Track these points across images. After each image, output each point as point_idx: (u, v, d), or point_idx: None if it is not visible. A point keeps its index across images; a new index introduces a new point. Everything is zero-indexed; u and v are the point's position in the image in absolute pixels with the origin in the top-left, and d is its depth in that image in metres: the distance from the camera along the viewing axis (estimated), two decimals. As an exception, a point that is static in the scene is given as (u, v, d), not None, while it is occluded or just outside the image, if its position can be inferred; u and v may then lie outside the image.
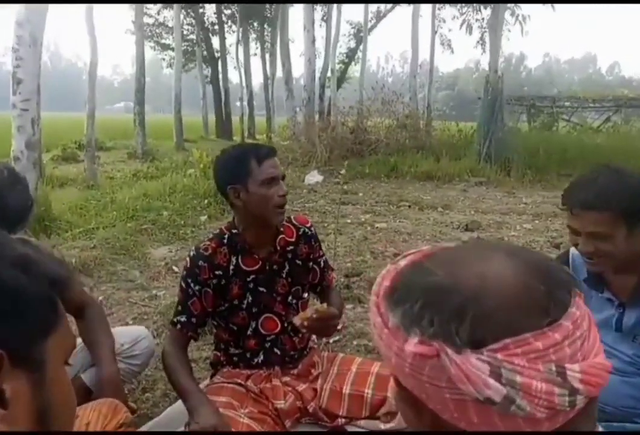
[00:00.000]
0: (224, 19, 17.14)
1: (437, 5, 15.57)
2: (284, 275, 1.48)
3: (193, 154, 7.43)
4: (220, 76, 17.63)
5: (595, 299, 1.31)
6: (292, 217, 1.54)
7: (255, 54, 19.97)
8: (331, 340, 2.02)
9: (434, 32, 16.24)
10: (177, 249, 3.41)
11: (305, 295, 1.58)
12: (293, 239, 1.50)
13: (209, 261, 1.39)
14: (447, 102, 60.96)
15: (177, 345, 1.42)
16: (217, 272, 1.40)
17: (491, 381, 0.35)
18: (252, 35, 18.92)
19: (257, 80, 25.18)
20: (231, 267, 1.42)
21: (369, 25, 17.62)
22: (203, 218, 4.27)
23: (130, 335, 1.50)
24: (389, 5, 18.67)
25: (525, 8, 9.74)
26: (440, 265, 0.40)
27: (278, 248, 1.46)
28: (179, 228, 3.90)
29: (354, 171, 7.63)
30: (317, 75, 14.51)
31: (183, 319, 1.40)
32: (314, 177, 6.93)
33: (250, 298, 1.44)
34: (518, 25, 8.53)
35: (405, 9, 18.16)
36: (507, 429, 0.37)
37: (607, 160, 7.36)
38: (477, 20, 7.89)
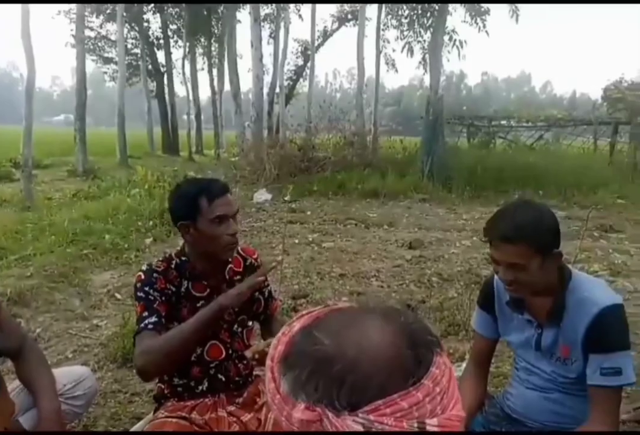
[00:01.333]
0: (170, 33, 16.99)
1: (382, 26, 16.15)
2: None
3: (137, 172, 7.29)
4: (167, 90, 17.39)
5: (517, 320, 1.42)
6: (240, 248, 1.58)
7: (203, 69, 19.89)
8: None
9: (379, 52, 16.82)
10: (120, 275, 3.33)
11: (250, 323, 1.61)
12: (240, 269, 1.54)
13: (162, 275, 1.40)
14: (394, 117, 62.75)
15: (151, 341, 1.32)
16: (170, 287, 1.41)
17: None
18: (199, 50, 18.84)
19: (205, 94, 24.97)
20: (182, 289, 1.43)
21: (316, 43, 18.00)
22: (148, 241, 4.19)
23: (72, 375, 1.47)
24: (335, 25, 19.19)
25: (462, 33, 10.25)
26: (326, 333, 0.45)
27: (227, 277, 1.49)
28: (122, 252, 3.81)
29: (302, 188, 7.72)
30: (266, 91, 14.64)
31: (152, 319, 1.34)
32: (262, 195, 6.95)
33: (198, 323, 1.46)
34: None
35: (351, 29, 18.76)
36: None
37: (538, 177, 7.87)
38: (418, 41, 8.25)
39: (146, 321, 1.34)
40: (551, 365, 1.38)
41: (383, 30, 16.55)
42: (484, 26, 7.64)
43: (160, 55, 17.35)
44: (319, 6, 17.22)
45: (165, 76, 17.25)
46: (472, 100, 72.19)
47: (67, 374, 1.48)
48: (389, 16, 15.04)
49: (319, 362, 0.43)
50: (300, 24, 17.74)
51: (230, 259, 1.51)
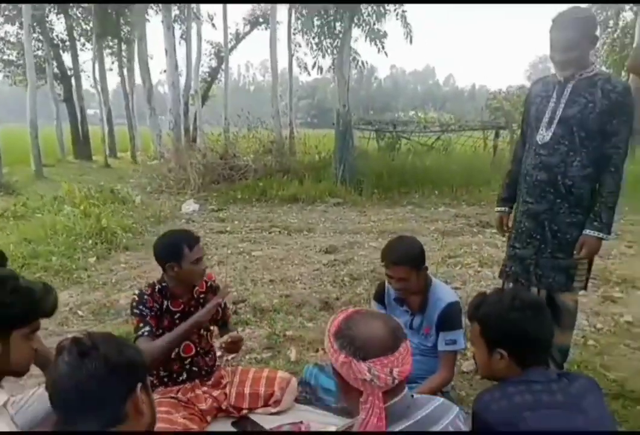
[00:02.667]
0: (76, 35, 16.45)
1: (292, 30, 16.80)
2: (198, 314, 2.20)
3: (62, 188, 7.43)
4: (75, 94, 16.84)
5: (399, 310, 2.24)
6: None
7: (111, 69, 19.39)
8: (230, 358, 2.72)
9: (291, 55, 17.49)
10: (78, 294, 3.78)
11: (212, 327, 2.31)
12: (204, 290, 2.23)
13: (150, 297, 2.06)
14: (309, 110, 63.75)
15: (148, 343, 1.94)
16: (155, 305, 2.07)
17: (367, 374, 1.08)
18: (107, 51, 18.34)
19: (117, 96, 24.19)
20: (164, 306, 2.10)
21: (229, 45, 18.27)
22: (92, 260, 4.61)
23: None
24: (247, 28, 19.56)
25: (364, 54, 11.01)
26: (352, 323, 1.13)
27: (195, 296, 2.17)
28: (72, 272, 4.22)
29: (226, 196, 8.28)
30: (180, 92, 14.77)
31: (147, 329, 2.00)
32: (190, 205, 7.40)
33: (175, 329, 2.13)
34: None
35: (263, 32, 19.23)
36: (365, 389, 1.09)
37: (434, 178, 9.02)
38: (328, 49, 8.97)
39: (142, 330, 2.02)
40: (418, 339, 2.21)
41: (294, 34, 17.23)
42: (383, 47, 8.56)
43: (67, 58, 16.75)
44: (230, 9, 17.53)
45: (73, 79, 16.69)
46: (383, 93, 75.20)
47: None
48: (299, 21, 15.73)
49: (348, 337, 1.11)
50: (211, 27, 17.85)
51: (198, 284, 2.20)
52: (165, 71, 17.37)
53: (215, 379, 2.26)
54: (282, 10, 18.19)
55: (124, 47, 17.92)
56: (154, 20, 16.75)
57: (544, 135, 2.25)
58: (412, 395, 1.19)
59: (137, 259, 4.76)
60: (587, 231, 2.17)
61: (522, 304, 1.37)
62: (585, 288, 2.41)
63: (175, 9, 16.13)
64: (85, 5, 15.36)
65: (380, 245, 5.28)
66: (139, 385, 1.06)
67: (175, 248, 2.02)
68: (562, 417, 1.25)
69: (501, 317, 1.37)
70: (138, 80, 18.16)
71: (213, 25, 17.27)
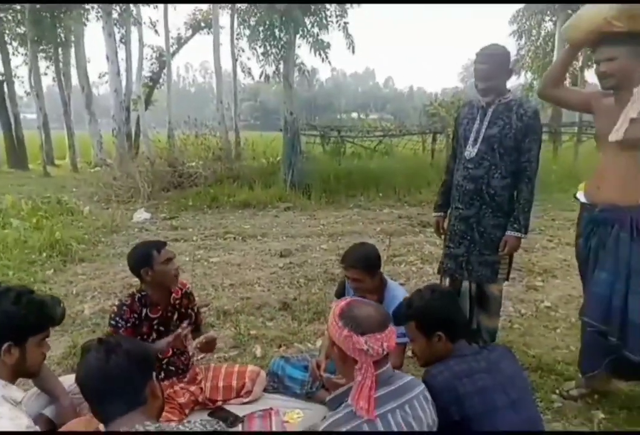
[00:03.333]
0: (7, 39, 15.74)
1: (235, 35, 16.90)
2: (174, 319, 2.43)
3: (6, 201, 7.25)
4: (8, 100, 16.10)
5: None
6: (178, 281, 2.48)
7: (46, 74, 18.64)
8: (201, 357, 2.94)
9: (235, 60, 17.58)
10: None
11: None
12: (179, 296, 2.45)
13: (129, 308, 2.27)
14: (252, 112, 63.48)
15: None
16: (134, 315, 2.28)
17: (364, 346, 1.41)
18: (42, 54, 17.63)
19: (52, 101, 23.21)
20: (142, 314, 2.31)
21: (171, 50, 18.09)
22: (50, 272, 4.64)
23: (72, 380, 2.23)
24: (190, 32, 19.43)
25: (307, 57, 11.39)
26: (353, 307, 1.50)
27: (171, 302, 2.39)
28: (31, 286, 4.25)
29: (177, 204, 8.35)
30: (122, 98, 14.51)
31: None
32: (141, 214, 7.43)
33: (154, 334, 2.35)
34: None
35: (206, 37, 19.19)
36: (362, 359, 1.43)
37: (378, 180, 9.50)
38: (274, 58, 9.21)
39: None
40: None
41: (237, 39, 17.34)
42: (327, 57, 8.93)
43: (-3, 63, 15.98)
44: (171, 14, 17.38)
45: (6, 85, 15.95)
46: (325, 94, 76.19)
47: (69, 379, 2.23)
48: (242, 26, 15.87)
49: (350, 317, 1.46)
50: (152, 31, 17.59)
51: (172, 290, 2.42)
52: (105, 75, 17.01)
53: (190, 376, 2.50)
54: (224, 15, 18.23)
55: (60, 51, 17.31)
56: (90, 23, 16.27)
57: (470, 151, 2.66)
58: (393, 370, 1.53)
59: (94, 270, 4.82)
60: (508, 232, 2.60)
61: (440, 295, 1.81)
62: (507, 279, 2.85)
63: (114, 12, 15.81)
64: (18, 8, 14.76)
65: (331, 248, 5.68)
66: (154, 374, 1.32)
67: (145, 254, 2.27)
68: (488, 378, 1.66)
69: (429, 307, 1.77)
70: (74, 82, 17.61)
71: (156, 31, 17.01)
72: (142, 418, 1.23)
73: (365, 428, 1.39)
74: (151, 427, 1.20)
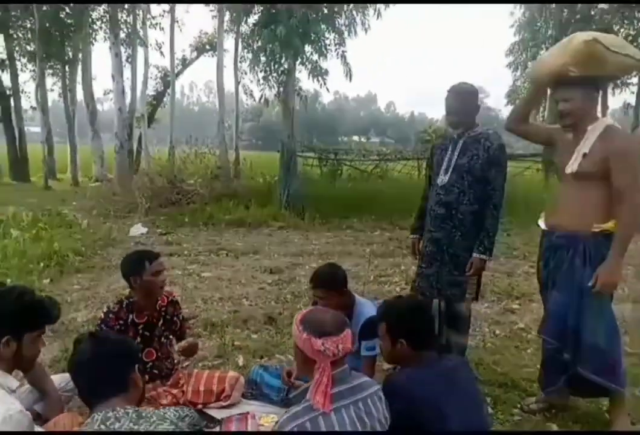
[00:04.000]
0: (17, 56, 16.23)
1: (239, 58, 17.42)
2: (159, 325, 2.62)
3: (8, 212, 7.46)
4: (14, 114, 16.49)
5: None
6: (164, 290, 2.67)
7: (52, 90, 19.13)
8: (185, 365, 3.11)
9: (237, 83, 18.07)
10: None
11: (171, 336, 2.73)
12: (165, 304, 2.65)
13: (115, 315, 2.46)
14: (254, 132, 64.33)
15: None
16: (120, 322, 2.47)
17: (321, 347, 1.60)
18: (49, 71, 18.14)
19: (55, 115, 23.66)
20: (129, 320, 2.50)
21: (175, 71, 18.61)
22: (46, 281, 4.82)
23: (63, 378, 2.40)
24: (195, 54, 20.02)
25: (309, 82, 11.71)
26: (312, 314, 1.71)
27: (157, 309, 2.59)
28: (27, 293, 4.42)
29: (174, 220, 8.56)
30: (125, 116, 14.88)
31: None
32: (138, 229, 7.64)
33: (139, 338, 2.53)
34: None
35: (210, 59, 19.77)
36: (319, 359, 1.62)
37: (372, 203, 9.75)
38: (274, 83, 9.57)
39: None
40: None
41: (241, 62, 17.86)
42: (325, 83, 9.30)
43: (5, 78, 16.43)
44: (177, 36, 17.97)
45: (12, 100, 16.36)
46: (327, 117, 77.46)
47: (60, 378, 2.40)
48: (245, 50, 16.39)
49: (309, 322, 1.66)
50: (157, 51, 18.15)
51: (159, 298, 2.61)
52: (110, 92, 17.45)
53: (173, 380, 2.67)
54: (229, 39, 18.84)
55: (67, 68, 17.81)
56: (97, 43, 16.85)
57: (442, 178, 2.89)
58: (350, 370, 1.73)
59: (88, 281, 5.00)
60: (474, 254, 2.80)
61: (412, 306, 2.00)
62: (476, 299, 3.04)
63: (121, 33, 16.34)
64: (29, 26, 15.28)
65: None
66: (136, 365, 1.51)
67: (137, 262, 2.47)
68: (442, 384, 1.83)
69: (398, 317, 1.96)
70: (79, 98, 17.99)
71: (161, 53, 17.56)
72: (123, 404, 1.42)
73: (321, 421, 1.57)
74: (130, 410, 1.38)
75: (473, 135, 2.84)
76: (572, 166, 2.44)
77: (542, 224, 2.69)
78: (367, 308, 2.69)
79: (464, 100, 2.80)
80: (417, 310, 1.98)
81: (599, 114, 2.51)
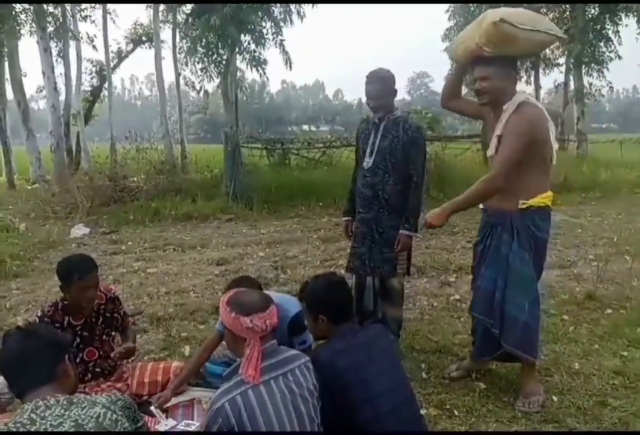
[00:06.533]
0: None
1: (178, 49, 16.97)
2: (99, 324, 2.63)
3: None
4: None
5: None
6: (101, 287, 2.67)
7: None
8: (131, 360, 3.13)
9: (178, 74, 17.64)
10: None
11: (113, 333, 2.74)
12: (103, 301, 2.66)
13: (50, 318, 2.45)
14: (201, 125, 62.92)
15: None
16: (55, 325, 2.46)
17: (249, 323, 1.68)
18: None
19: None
20: (64, 322, 2.50)
21: (111, 64, 17.94)
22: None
23: (2, 382, 2.39)
24: (130, 46, 19.33)
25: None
26: (238, 295, 1.79)
27: (95, 308, 2.59)
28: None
29: (118, 218, 8.36)
30: (60, 113, 14.25)
31: None
32: (80, 230, 7.42)
33: (78, 339, 2.54)
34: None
35: (148, 51, 19.14)
36: (249, 336, 1.71)
37: (319, 191, 9.86)
38: (213, 74, 9.45)
39: None
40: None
41: (179, 53, 17.44)
42: (264, 73, 9.28)
43: None
44: (110, 28, 17.26)
45: None
46: (275, 107, 76.75)
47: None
48: (183, 40, 16.01)
49: (235, 302, 1.74)
50: (89, 45, 17.39)
51: (91, 305, 2.59)
52: (42, 90, 16.60)
53: (117, 375, 2.70)
54: (166, 29, 18.30)
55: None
56: (25, 37, 15.90)
57: (367, 161, 3.03)
58: (279, 346, 1.83)
59: (28, 285, 4.87)
60: (401, 231, 2.97)
61: (326, 283, 2.10)
62: (408, 273, 3.21)
63: (49, 27, 15.54)
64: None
65: (267, 255, 5.95)
66: (66, 356, 1.55)
67: (66, 274, 2.40)
68: (363, 352, 1.96)
69: (314, 294, 2.09)
70: (9, 96, 17.03)
71: (94, 47, 16.83)
72: (53, 393, 1.46)
73: (250, 393, 1.67)
74: (61, 398, 1.43)
75: (392, 118, 2.99)
76: (490, 149, 2.53)
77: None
78: (290, 305, 2.68)
79: (383, 84, 2.93)
80: (331, 287, 2.08)
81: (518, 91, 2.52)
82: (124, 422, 1.38)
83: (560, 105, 18.73)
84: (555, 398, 2.60)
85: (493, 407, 2.54)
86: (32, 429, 1.27)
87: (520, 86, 18.95)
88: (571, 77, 17.65)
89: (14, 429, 1.30)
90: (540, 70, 19.59)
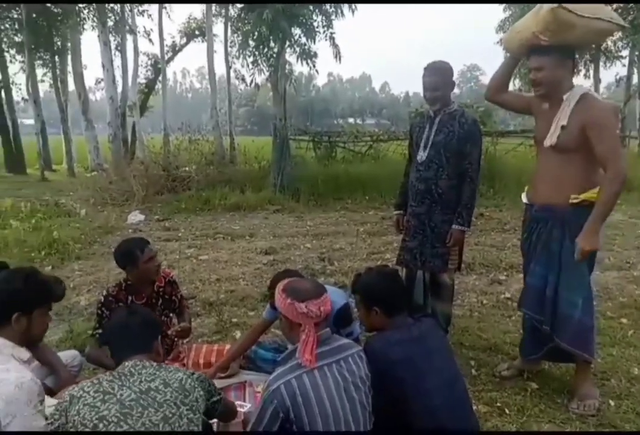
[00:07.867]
0: (5, 47, 16.11)
1: (229, 43, 17.29)
2: (159, 305, 2.76)
3: (6, 203, 7.57)
4: (6, 106, 16.44)
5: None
6: (161, 270, 2.80)
7: (43, 81, 19.01)
8: (186, 341, 3.27)
9: (229, 68, 17.95)
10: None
11: (171, 315, 2.88)
12: (163, 284, 2.79)
13: (114, 298, 2.60)
14: (248, 117, 63.84)
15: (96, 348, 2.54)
16: (119, 304, 2.61)
17: (305, 309, 1.75)
18: (39, 62, 18.01)
19: (48, 107, 23.56)
20: (128, 302, 2.64)
21: (166, 57, 18.49)
22: (48, 269, 4.96)
23: (70, 355, 2.57)
24: (184, 40, 19.84)
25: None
26: (292, 283, 1.87)
27: (155, 290, 2.73)
28: (30, 281, 4.57)
29: (171, 207, 8.68)
30: (118, 105, 14.86)
31: (99, 331, 2.54)
32: (135, 216, 7.76)
33: (140, 319, 2.68)
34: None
35: (200, 45, 19.59)
36: (304, 321, 1.77)
37: (365, 184, 9.85)
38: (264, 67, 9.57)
39: (95, 331, 2.61)
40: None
41: (231, 46, 17.73)
42: (314, 66, 9.32)
43: (-5, 69, 16.34)
44: (166, 22, 17.79)
45: (3, 91, 16.30)
46: (321, 99, 76.77)
47: (68, 355, 2.56)
48: (235, 34, 16.25)
49: (291, 289, 1.81)
50: (149, 40, 17.98)
51: (156, 279, 2.75)
52: (101, 81, 17.36)
53: (174, 354, 2.84)
54: (218, 23, 18.64)
55: (57, 58, 17.67)
56: (87, 32, 16.66)
57: (421, 155, 3.01)
58: (332, 334, 1.87)
59: (89, 267, 5.15)
60: (453, 226, 2.94)
61: (381, 275, 2.12)
62: (459, 269, 3.19)
63: (109, 22, 16.17)
64: (15, 16, 15.13)
65: (314, 246, 6.02)
66: (159, 337, 1.71)
67: (129, 253, 2.56)
68: (416, 345, 1.97)
69: (369, 286, 2.10)
70: (71, 88, 17.91)
71: (150, 40, 17.38)
72: (145, 360, 1.61)
73: (305, 377, 1.72)
74: (154, 363, 1.61)
75: (449, 112, 2.95)
76: (551, 139, 2.43)
77: (524, 198, 2.72)
78: (336, 298, 2.60)
79: (441, 76, 2.89)
80: (386, 279, 2.10)
81: (576, 83, 2.45)
82: (199, 390, 1.58)
83: (622, 100, 17.78)
84: (612, 402, 2.52)
85: (545, 408, 2.49)
86: (131, 380, 1.52)
87: (578, 80, 18.19)
88: (635, 71, 16.70)
89: (117, 376, 1.54)
90: (601, 64, 18.62)
